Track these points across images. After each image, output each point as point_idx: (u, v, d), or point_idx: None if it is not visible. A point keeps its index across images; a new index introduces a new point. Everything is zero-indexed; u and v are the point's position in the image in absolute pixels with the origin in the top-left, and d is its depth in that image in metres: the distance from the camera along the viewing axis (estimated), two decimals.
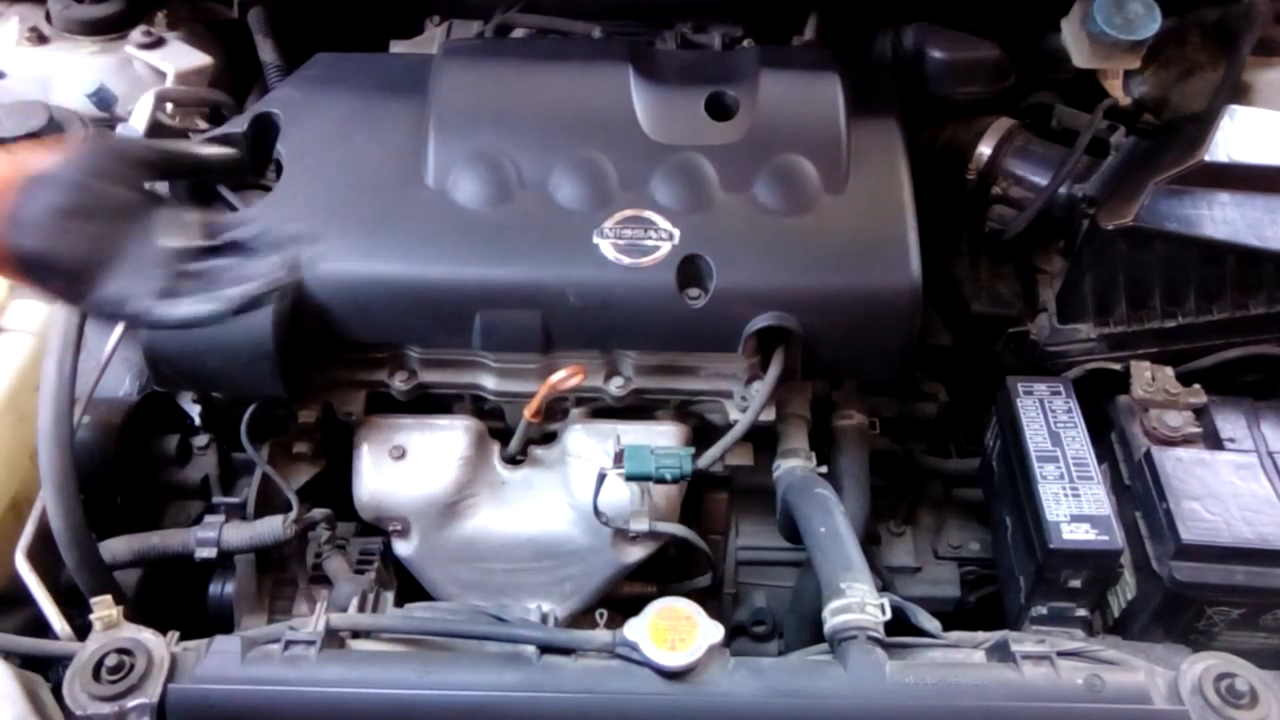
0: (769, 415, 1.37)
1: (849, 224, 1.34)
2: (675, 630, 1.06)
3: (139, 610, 1.24)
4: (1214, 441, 1.28)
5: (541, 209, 1.33)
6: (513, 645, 1.09)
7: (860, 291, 1.31)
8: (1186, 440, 1.29)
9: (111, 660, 1.01)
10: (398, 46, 1.74)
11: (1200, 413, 1.32)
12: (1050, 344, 1.50)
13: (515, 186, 1.35)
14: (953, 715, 1.04)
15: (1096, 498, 1.25)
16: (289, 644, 1.06)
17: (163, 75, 1.63)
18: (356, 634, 1.13)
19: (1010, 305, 1.55)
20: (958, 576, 1.52)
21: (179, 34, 1.72)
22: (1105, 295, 1.45)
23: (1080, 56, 1.53)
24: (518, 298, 1.30)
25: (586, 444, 1.38)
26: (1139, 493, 1.26)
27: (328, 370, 1.38)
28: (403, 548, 1.40)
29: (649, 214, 1.32)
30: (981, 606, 1.51)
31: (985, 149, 1.59)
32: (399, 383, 1.37)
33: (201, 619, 1.35)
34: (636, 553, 1.38)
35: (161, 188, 1.34)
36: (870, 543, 1.47)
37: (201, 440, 1.50)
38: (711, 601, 1.51)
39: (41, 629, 1.17)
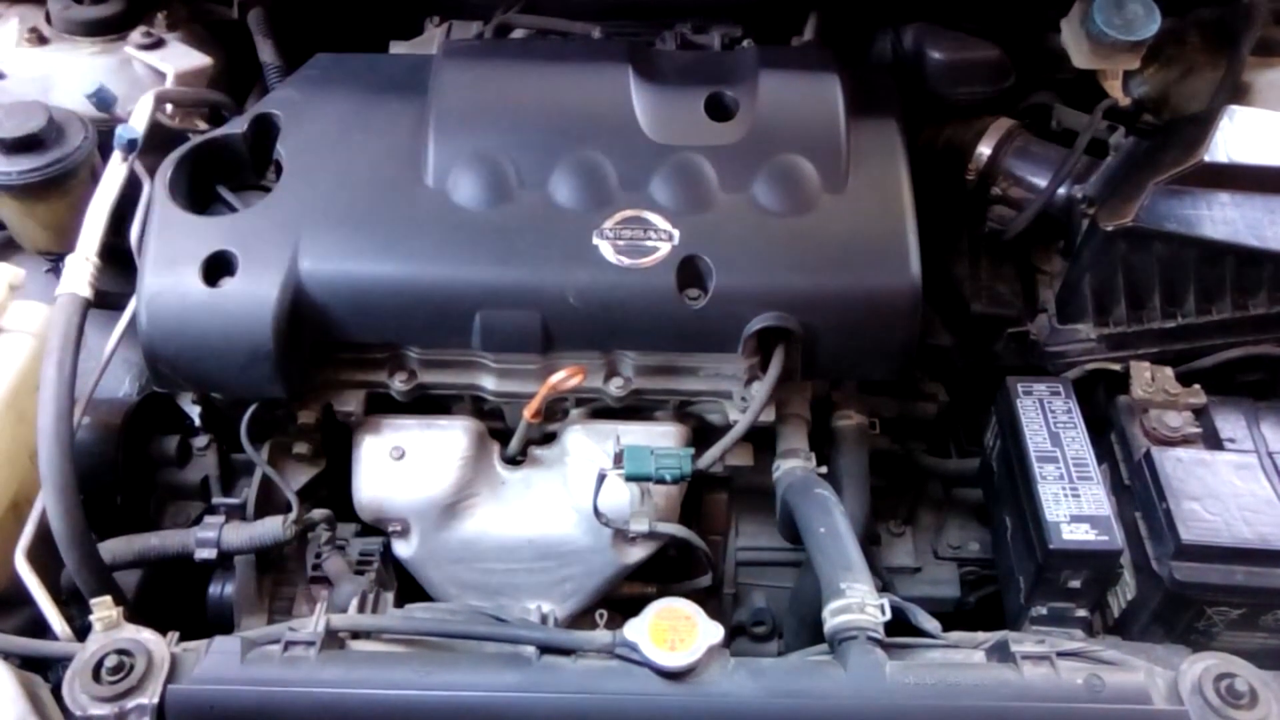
0: (769, 415, 1.37)
1: (849, 224, 1.34)
2: (675, 630, 1.06)
3: (139, 611, 1.24)
4: (1214, 442, 1.28)
5: (541, 209, 1.33)
6: (512, 646, 1.09)
7: (860, 291, 1.31)
8: (1186, 440, 1.29)
9: (111, 661, 1.01)
10: (398, 47, 1.74)
11: (1200, 413, 1.32)
12: (1050, 344, 1.50)
13: (515, 187, 1.35)
14: (953, 715, 1.04)
15: (1096, 498, 1.25)
16: (289, 644, 1.06)
17: (162, 76, 1.63)
18: (356, 635, 1.13)
19: (1010, 305, 1.56)
20: (958, 577, 1.52)
21: (179, 35, 1.71)
22: (1105, 295, 1.45)
23: (1080, 57, 1.53)
24: (517, 298, 1.30)
25: (586, 444, 1.38)
26: (1139, 493, 1.26)
27: (327, 370, 1.38)
28: (402, 548, 1.40)
29: (648, 215, 1.32)
30: (981, 607, 1.51)
31: (985, 149, 1.59)
32: (399, 383, 1.37)
33: (201, 619, 1.35)
34: (636, 553, 1.38)
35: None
36: (870, 543, 1.47)
37: (201, 441, 1.50)
38: (711, 602, 1.51)
39: (41, 629, 1.17)
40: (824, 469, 1.37)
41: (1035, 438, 1.31)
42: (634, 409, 1.40)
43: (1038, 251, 1.60)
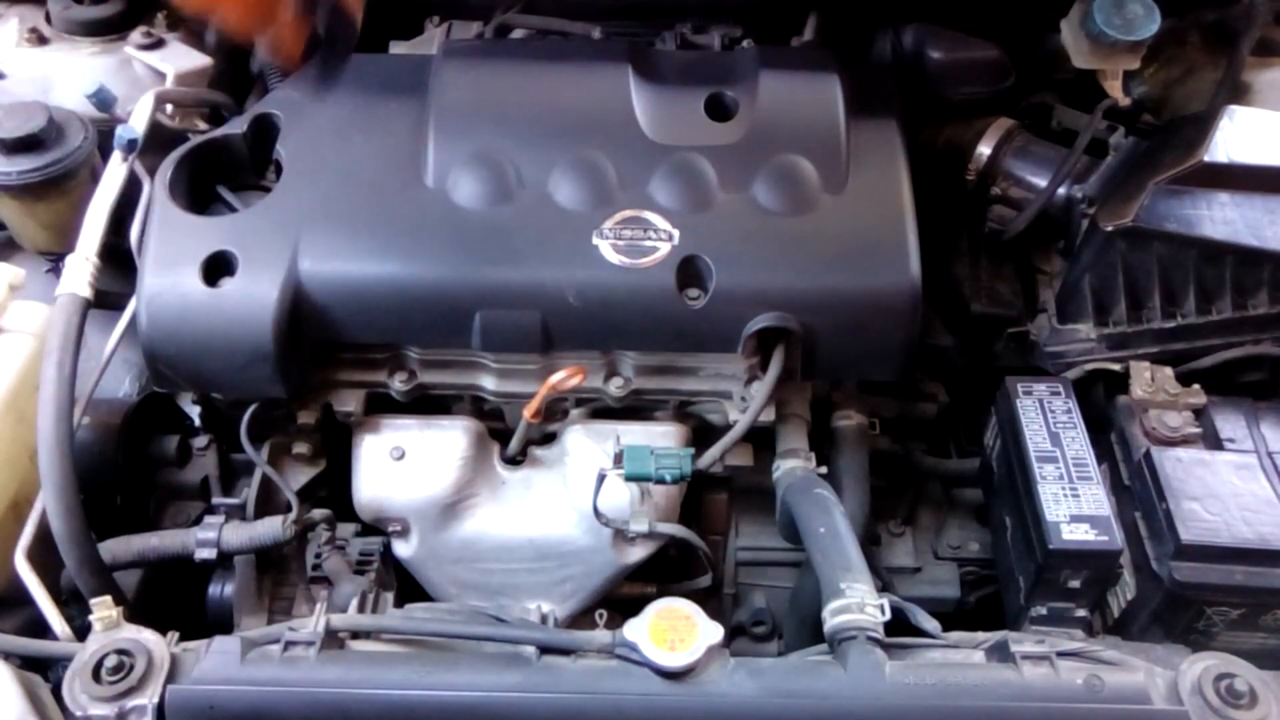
0: (769, 415, 1.37)
1: (849, 224, 1.34)
2: (675, 630, 1.06)
3: (139, 611, 1.24)
4: (1214, 442, 1.28)
5: (541, 209, 1.33)
6: (512, 646, 1.09)
7: (860, 292, 1.31)
8: (1186, 440, 1.29)
9: (111, 661, 1.01)
10: (398, 47, 1.74)
11: (1200, 413, 1.32)
12: (1050, 344, 1.50)
13: (515, 187, 1.35)
14: (953, 715, 1.04)
15: (1096, 498, 1.25)
16: (289, 645, 1.06)
17: (162, 76, 1.63)
18: (356, 635, 1.13)
19: (1010, 305, 1.56)
20: (957, 577, 1.52)
21: (179, 35, 1.71)
22: (1105, 295, 1.45)
23: (1080, 57, 1.52)
24: (517, 298, 1.30)
25: (586, 445, 1.38)
26: (1139, 493, 1.26)
27: (327, 370, 1.38)
28: (402, 548, 1.40)
29: (648, 214, 1.32)
30: (981, 607, 1.51)
31: (985, 149, 1.59)
32: (398, 383, 1.37)
33: (201, 620, 1.36)
34: (636, 553, 1.38)
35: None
36: (870, 543, 1.47)
37: (201, 441, 1.50)
38: (711, 602, 1.51)
39: (41, 629, 1.17)
40: (824, 469, 1.37)
41: (1035, 438, 1.31)
42: (634, 409, 1.40)
43: (1038, 251, 1.59)
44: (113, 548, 1.30)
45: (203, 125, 1.58)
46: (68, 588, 1.23)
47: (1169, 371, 1.36)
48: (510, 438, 1.40)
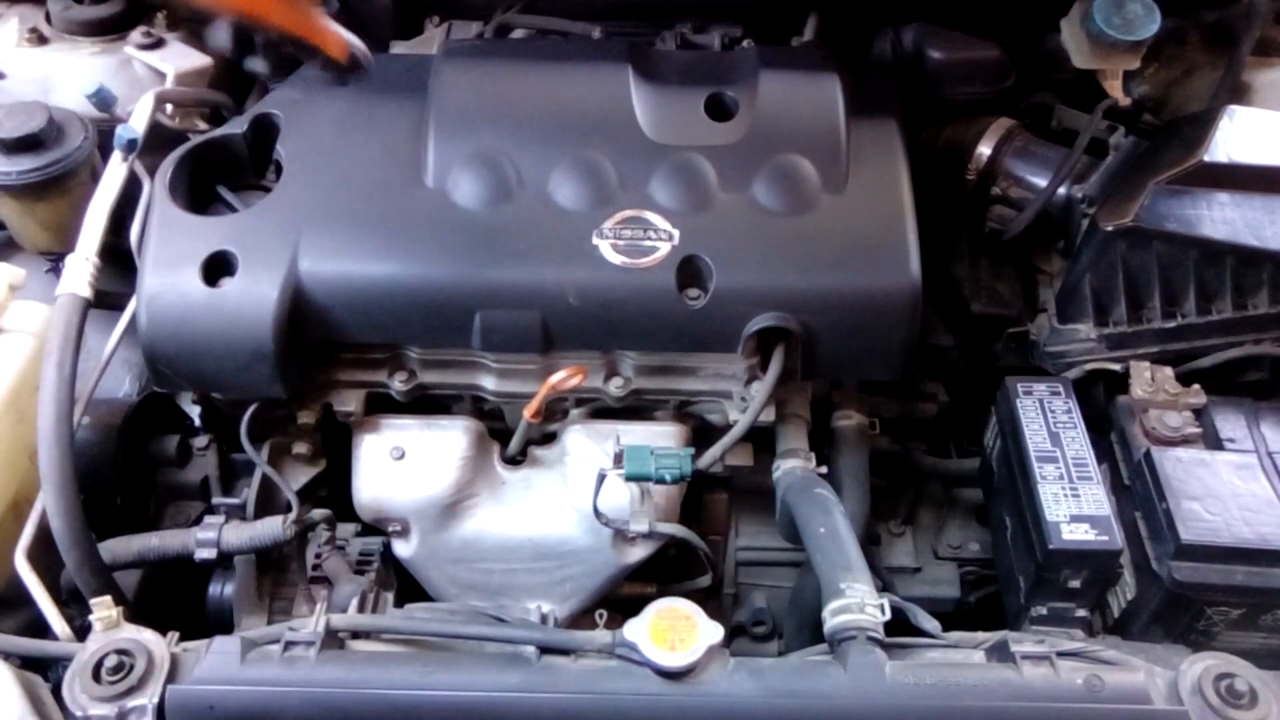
0: (769, 415, 1.37)
1: (849, 224, 1.34)
2: (675, 631, 1.06)
3: (139, 611, 1.24)
4: (1214, 442, 1.28)
5: (541, 209, 1.34)
6: (512, 646, 1.09)
7: (860, 292, 1.31)
8: (1186, 440, 1.29)
9: (111, 661, 1.02)
10: (398, 47, 1.74)
11: (1200, 413, 1.32)
12: (1050, 344, 1.50)
13: (515, 187, 1.35)
14: (953, 715, 1.04)
15: (1096, 498, 1.25)
16: (288, 645, 1.06)
17: (162, 76, 1.63)
18: (356, 635, 1.13)
19: (1010, 305, 1.56)
20: (958, 577, 1.52)
21: (179, 35, 1.71)
22: (1105, 295, 1.45)
23: (1080, 56, 1.53)
24: (517, 298, 1.30)
25: (586, 445, 1.38)
26: (1139, 493, 1.26)
27: (327, 370, 1.38)
28: (402, 548, 1.40)
29: (648, 214, 1.32)
30: (981, 607, 1.51)
31: (985, 149, 1.59)
32: (398, 383, 1.37)
33: (201, 620, 1.36)
34: (636, 553, 1.38)
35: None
36: (870, 543, 1.47)
37: (201, 441, 1.50)
38: (711, 602, 1.51)
39: (41, 629, 1.17)
40: (824, 469, 1.38)
41: (1035, 438, 1.31)
42: (634, 409, 1.40)
43: (1038, 251, 1.60)
44: (113, 548, 1.30)
45: (203, 125, 1.59)
46: (68, 588, 1.23)
47: (1169, 371, 1.36)
48: (510, 438, 1.40)
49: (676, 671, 1.04)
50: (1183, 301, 1.44)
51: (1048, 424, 1.33)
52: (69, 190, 1.49)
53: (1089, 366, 1.46)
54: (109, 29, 1.70)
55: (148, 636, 1.05)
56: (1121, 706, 1.03)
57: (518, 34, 1.71)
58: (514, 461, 1.42)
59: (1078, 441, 1.31)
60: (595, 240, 1.31)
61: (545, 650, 1.08)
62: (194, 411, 1.46)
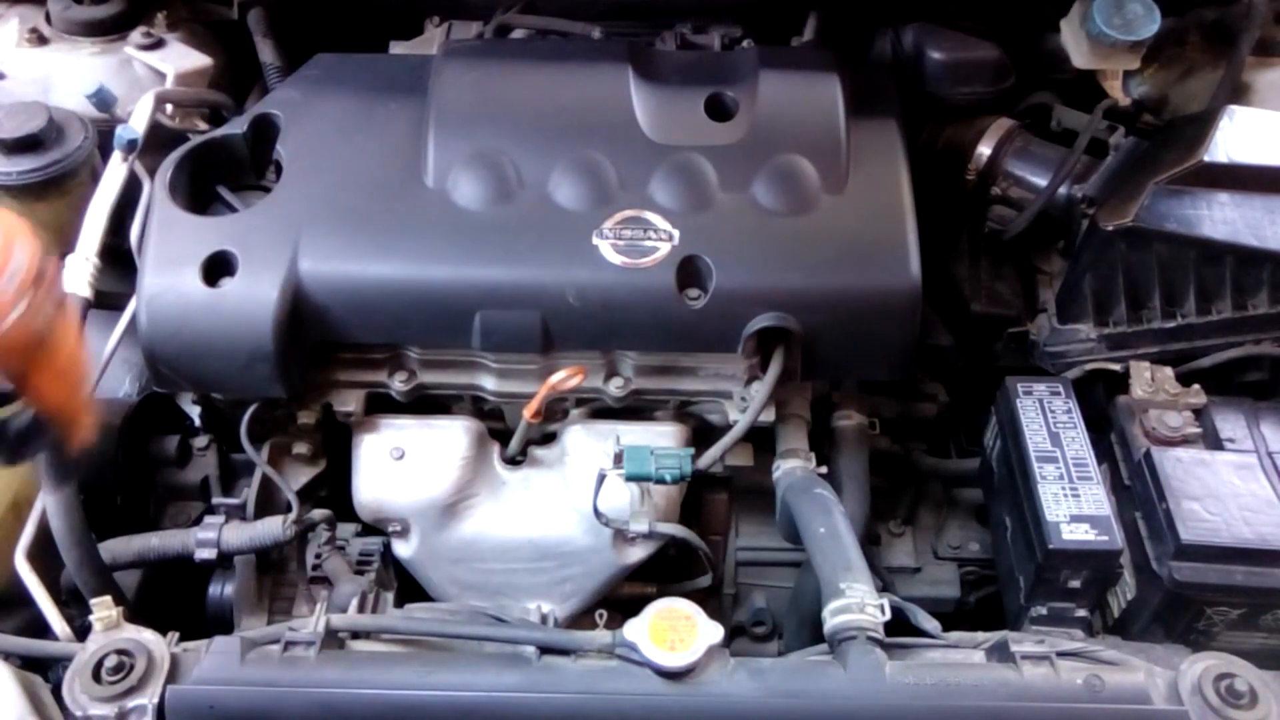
0: (769, 415, 1.37)
1: (849, 224, 1.34)
2: (675, 631, 1.06)
3: (139, 611, 1.24)
4: (1214, 442, 1.28)
5: (541, 209, 1.34)
6: (512, 646, 1.09)
7: (860, 292, 1.31)
8: (1186, 440, 1.29)
9: (111, 661, 1.02)
10: (398, 47, 1.74)
11: (1200, 413, 1.32)
12: (1050, 344, 1.50)
13: (515, 187, 1.35)
14: (953, 715, 1.04)
15: (1096, 498, 1.25)
16: (288, 645, 1.07)
17: (162, 76, 1.63)
18: (356, 635, 1.13)
19: (1010, 305, 1.56)
20: (958, 576, 1.52)
21: (179, 35, 1.71)
22: (1105, 295, 1.45)
23: (1080, 57, 1.53)
24: (517, 298, 1.30)
25: (586, 445, 1.38)
26: (1139, 493, 1.26)
27: (327, 370, 1.38)
28: (402, 548, 1.40)
29: (648, 215, 1.32)
30: (981, 606, 1.51)
31: (985, 149, 1.59)
32: (398, 383, 1.37)
33: (201, 620, 1.36)
34: (636, 553, 1.38)
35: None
36: (870, 543, 1.47)
37: (201, 441, 1.50)
38: (711, 602, 1.51)
39: (41, 629, 1.17)
40: (824, 469, 1.38)
41: (1035, 438, 1.31)
42: (634, 409, 1.40)
43: (1038, 251, 1.60)
44: (113, 548, 1.30)
45: (203, 125, 1.59)
46: (68, 588, 1.23)
47: (1169, 371, 1.36)
48: (510, 438, 1.40)
49: (676, 671, 1.04)
50: (1183, 301, 1.44)
51: (1048, 424, 1.33)
52: (69, 190, 1.49)
53: (1089, 366, 1.46)
54: (109, 29, 1.69)
55: (148, 636, 1.05)
56: (1121, 706, 1.03)
57: (518, 34, 1.71)
58: (514, 462, 1.42)
59: (1078, 441, 1.31)
60: (595, 240, 1.31)
61: (545, 650, 1.08)
62: (194, 411, 1.46)
